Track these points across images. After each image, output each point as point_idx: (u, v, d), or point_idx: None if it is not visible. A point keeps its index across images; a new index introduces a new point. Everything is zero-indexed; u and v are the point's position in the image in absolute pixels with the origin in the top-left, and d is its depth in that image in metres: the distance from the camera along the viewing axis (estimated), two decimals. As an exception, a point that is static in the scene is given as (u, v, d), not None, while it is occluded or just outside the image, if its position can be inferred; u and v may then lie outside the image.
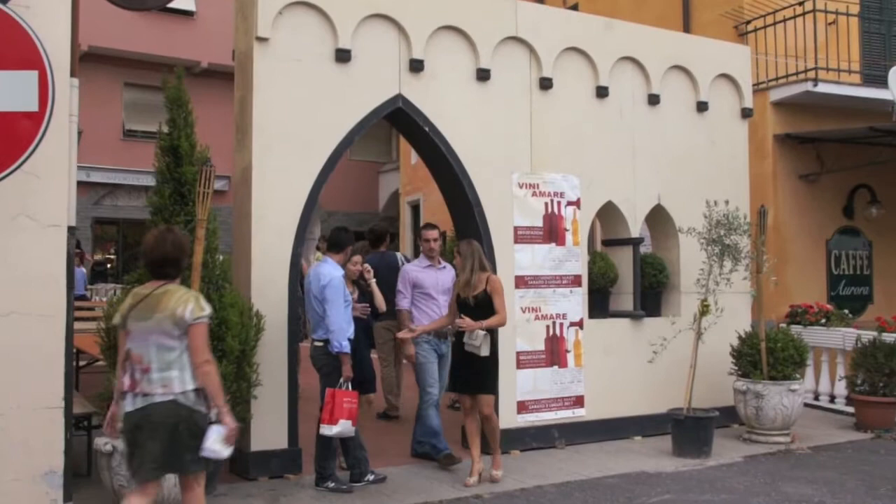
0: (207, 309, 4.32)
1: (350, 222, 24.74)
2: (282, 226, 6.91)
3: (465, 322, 6.46)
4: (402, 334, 6.87)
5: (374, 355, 7.53)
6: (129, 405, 4.26)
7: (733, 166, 9.55)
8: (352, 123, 7.34)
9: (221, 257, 6.46)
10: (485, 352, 6.47)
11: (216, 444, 4.27)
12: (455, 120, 7.86)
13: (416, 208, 22.91)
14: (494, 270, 7.74)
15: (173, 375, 4.23)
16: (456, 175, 7.87)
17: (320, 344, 6.35)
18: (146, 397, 4.21)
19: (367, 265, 7.25)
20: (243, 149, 7.13)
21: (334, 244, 6.58)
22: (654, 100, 9.04)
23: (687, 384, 7.91)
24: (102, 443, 5.45)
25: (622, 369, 8.60)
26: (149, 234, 4.49)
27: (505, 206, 8.07)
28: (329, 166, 7.20)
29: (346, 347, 6.20)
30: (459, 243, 6.77)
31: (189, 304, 4.28)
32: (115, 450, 5.37)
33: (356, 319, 6.67)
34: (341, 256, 6.54)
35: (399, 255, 9.33)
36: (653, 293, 9.06)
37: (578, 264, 8.45)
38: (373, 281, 7.26)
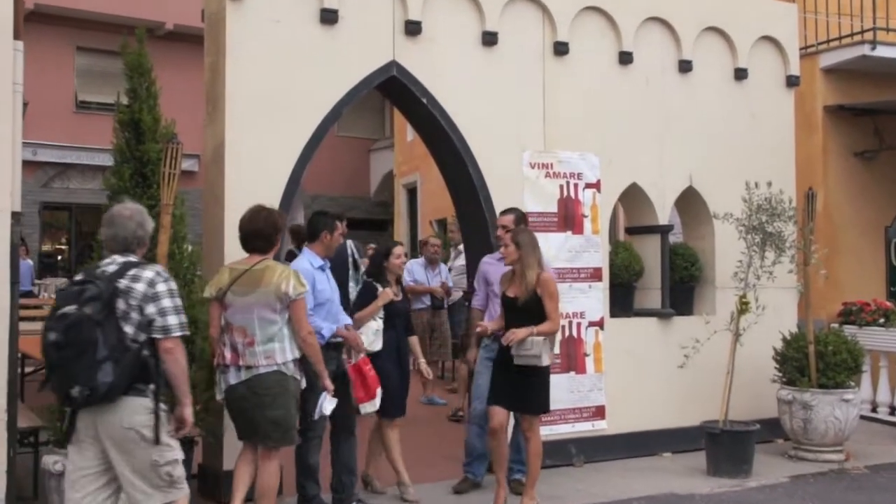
0: (307, 285, 5.70)
1: (337, 207, 24.76)
2: (259, 211, 6.93)
3: (517, 335, 6.20)
4: (520, 332, 6.34)
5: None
6: (232, 378, 5.54)
7: (777, 143, 9.59)
8: (339, 94, 7.38)
9: (190, 248, 6.51)
10: (546, 360, 6.27)
11: (329, 403, 5.93)
12: (457, 90, 7.90)
13: (412, 191, 22.94)
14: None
15: (276, 347, 5.48)
16: (458, 153, 7.92)
17: None
18: (250, 370, 5.45)
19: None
20: (215, 123, 7.17)
21: (310, 233, 6.50)
22: (685, 67, 9.08)
23: (723, 393, 7.96)
24: (51, 461, 5.49)
25: (649, 375, 8.66)
26: (245, 212, 5.82)
27: (514, 189, 8.12)
28: (313, 143, 7.24)
29: (330, 331, 6.24)
30: (516, 232, 6.52)
31: (291, 280, 5.55)
32: (65, 469, 5.37)
33: (388, 327, 6.83)
34: (320, 246, 6.42)
35: (351, 244, 9.10)
36: (684, 288, 9.11)
37: (598, 256, 8.50)
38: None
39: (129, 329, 4.35)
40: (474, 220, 8.15)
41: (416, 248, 11.59)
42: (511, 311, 6.39)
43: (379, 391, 6.52)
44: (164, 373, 4.44)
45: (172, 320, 4.45)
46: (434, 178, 16.59)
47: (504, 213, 7.26)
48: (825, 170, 11.53)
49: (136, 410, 4.35)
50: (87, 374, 4.21)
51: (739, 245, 8.36)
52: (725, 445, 7.86)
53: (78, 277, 4.46)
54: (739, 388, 8.37)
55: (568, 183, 8.40)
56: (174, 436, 4.55)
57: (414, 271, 10.73)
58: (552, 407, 7.89)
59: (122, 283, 4.39)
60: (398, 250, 7.07)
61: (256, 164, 6.99)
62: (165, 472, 4.43)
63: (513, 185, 8.12)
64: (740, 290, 8.20)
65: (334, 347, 6.34)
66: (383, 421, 6.92)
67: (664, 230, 8.96)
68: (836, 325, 10.04)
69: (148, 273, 4.46)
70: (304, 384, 5.75)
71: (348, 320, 6.58)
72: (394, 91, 7.93)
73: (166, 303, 4.45)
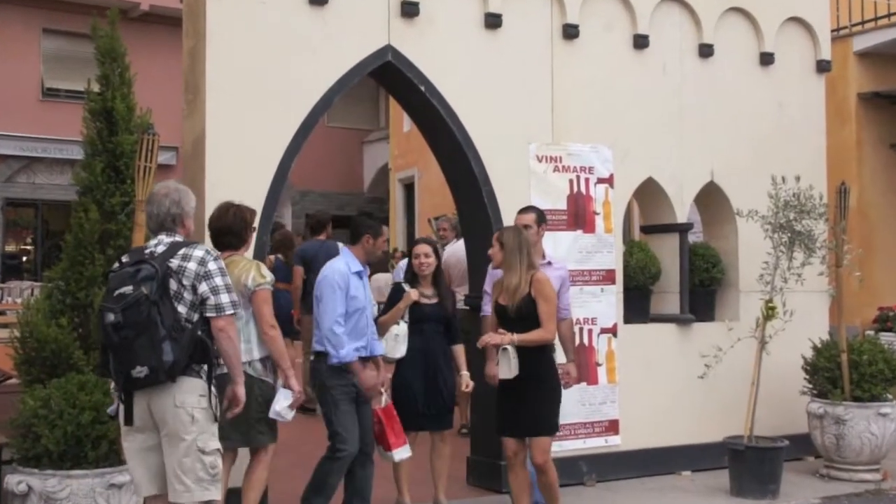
0: (269, 276, 5.81)
1: (327, 205, 24.75)
2: (242, 209, 6.94)
3: (490, 339, 6.26)
4: (488, 338, 6.43)
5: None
6: None
7: (806, 133, 9.61)
8: (330, 81, 7.40)
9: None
10: (504, 373, 6.25)
11: (283, 407, 5.78)
12: (458, 77, 7.92)
13: (409, 187, 22.96)
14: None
15: (241, 347, 5.34)
16: (459, 146, 7.93)
17: (311, 357, 6.49)
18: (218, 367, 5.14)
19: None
20: (195, 113, 7.19)
21: (352, 234, 6.65)
22: (706, 51, 9.09)
23: (748, 406, 7.96)
24: (15, 482, 5.49)
25: (666, 387, 8.67)
26: (214, 209, 6.14)
27: (520, 185, 8.14)
28: (302, 135, 7.26)
29: (348, 356, 6.24)
30: (501, 231, 6.57)
31: (251, 271, 5.79)
32: (30, 490, 5.39)
33: (414, 332, 6.86)
34: (361, 250, 6.55)
35: (341, 244, 9.14)
36: (704, 292, 9.12)
37: (611, 256, 8.51)
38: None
39: (181, 309, 4.75)
40: (476, 218, 8.16)
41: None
42: (504, 321, 6.35)
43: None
44: (216, 352, 4.86)
45: (224, 298, 4.84)
46: (433, 173, 16.61)
47: (523, 211, 7.23)
48: (859, 163, 11.55)
49: (189, 390, 4.73)
50: (149, 354, 4.57)
51: (765, 245, 8.36)
52: (750, 463, 7.86)
53: (125, 259, 4.84)
54: (765, 401, 8.35)
55: (578, 178, 8.41)
56: (230, 413, 5.07)
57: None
58: (562, 421, 7.89)
59: (174, 262, 4.79)
60: (418, 249, 7.10)
61: (240, 158, 7.00)
62: (210, 463, 4.77)
63: (518, 180, 8.13)
64: (766, 294, 8.20)
65: (360, 361, 6.39)
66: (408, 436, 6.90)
67: (683, 229, 8.98)
68: (871, 333, 10.05)
69: (198, 252, 4.88)
70: (278, 385, 5.94)
71: (379, 347, 6.62)
72: (389, 78, 7.94)
73: (218, 281, 4.84)
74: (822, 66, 9.73)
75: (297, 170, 8.12)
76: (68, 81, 21.68)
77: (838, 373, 8.53)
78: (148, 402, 4.73)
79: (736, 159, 9.17)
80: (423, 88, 7.77)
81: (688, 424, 8.72)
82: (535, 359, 6.27)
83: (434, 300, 7.05)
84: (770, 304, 8.10)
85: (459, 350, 7.15)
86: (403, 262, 10.75)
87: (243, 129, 7.05)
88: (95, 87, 6.45)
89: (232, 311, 4.88)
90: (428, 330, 6.97)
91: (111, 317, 4.59)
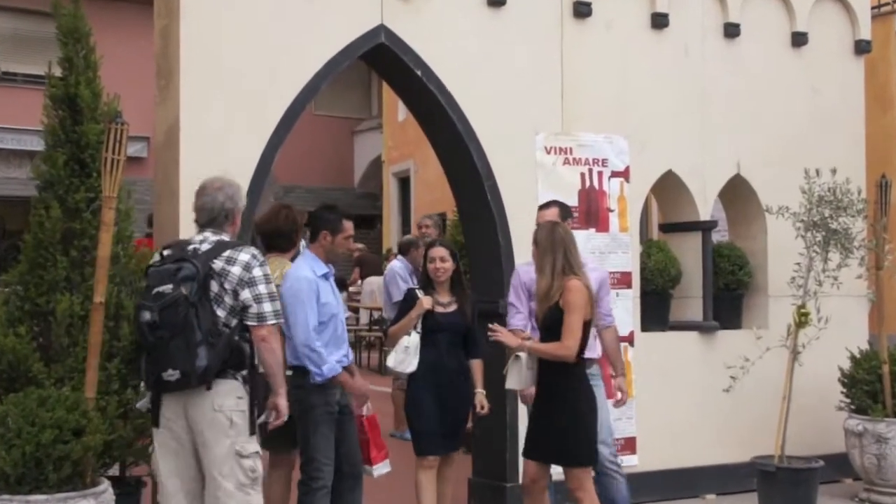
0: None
1: (314, 201, 24.68)
2: (220, 206, 6.93)
3: (503, 336, 6.11)
4: (501, 335, 6.26)
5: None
6: None
7: (843, 121, 9.62)
8: (317, 65, 7.39)
9: (138, 249, 6.51)
10: (510, 384, 6.17)
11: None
12: (458, 60, 7.92)
13: (404, 181, 22.95)
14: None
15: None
16: (459, 136, 7.93)
17: (289, 372, 6.09)
18: None
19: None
20: (167, 100, 7.18)
21: (311, 232, 6.44)
22: (732, 31, 9.09)
23: (779, 422, 7.96)
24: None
25: (688, 401, 8.66)
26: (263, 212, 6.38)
27: (526, 179, 8.14)
28: (286, 124, 7.25)
29: (332, 371, 6.12)
30: (539, 228, 6.35)
31: (276, 272, 5.85)
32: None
33: (427, 343, 6.77)
34: (319, 249, 6.35)
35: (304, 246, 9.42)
36: (730, 297, 9.13)
37: (627, 258, 8.51)
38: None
39: (220, 312, 4.96)
40: (478, 216, 8.17)
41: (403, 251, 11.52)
42: (540, 331, 6.21)
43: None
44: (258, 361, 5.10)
45: (268, 307, 5.05)
46: (430, 166, 16.60)
47: (544, 206, 7.12)
48: (901, 154, 11.53)
49: (227, 393, 4.98)
50: (183, 357, 4.80)
51: (797, 245, 8.36)
52: (782, 486, 7.85)
53: (168, 253, 5.08)
54: (798, 417, 8.36)
55: (590, 171, 8.41)
56: (271, 425, 5.28)
57: (391, 282, 10.56)
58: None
59: (217, 264, 5.00)
60: (434, 252, 6.92)
61: (218, 149, 6.97)
62: (249, 467, 5.02)
63: (524, 174, 8.14)
64: (798, 298, 8.19)
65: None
66: (420, 460, 6.82)
67: (706, 227, 8.99)
68: (914, 341, 10.02)
69: (244, 256, 5.07)
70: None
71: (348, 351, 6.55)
72: (382, 61, 7.94)
73: (262, 289, 5.04)
74: (862, 47, 9.73)
75: (280, 163, 8.10)
76: (26, 65, 21.59)
77: (879, 386, 8.53)
78: (184, 404, 4.99)
79: (765, 150, 9.18)
80: (419, 73, 7.76)
81: (712, 443, 8.72)
82: (559, 375, 6.05)
83: (451, 308, 6.91)
84: (803, 310, 8.09)
85: (477, 365, 6.97)
86: (396, 264, 10.77)
87: (221, 117, 7.03)
88: (57, 71, 6.42)
89: (275, 321, 5.09)
90: (442, 341, 6.80)
91: (147, 315, 4.83)
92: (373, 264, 18.07)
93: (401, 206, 23.23)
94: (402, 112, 20.71)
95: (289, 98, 7.28)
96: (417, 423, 6.82)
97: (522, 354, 6.08)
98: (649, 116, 8.69)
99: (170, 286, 4.84)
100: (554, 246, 6.06)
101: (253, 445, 5.10)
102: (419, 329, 6.81)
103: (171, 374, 4.84)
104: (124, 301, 6.11)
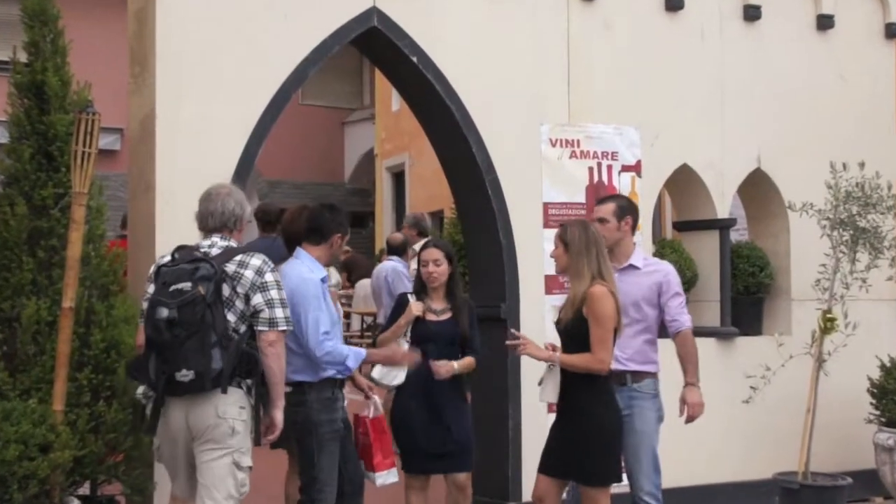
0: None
1: (302, 197, 24.68)
2: (200, 202, 6.92)
3: (527, 347, 6.00)
4: (531, 349, 6.13)
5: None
6: None
7: (872, 111, 9.60)
8: (304, 51, 7.37)
9: (111, 249, 6.48)
10: (546, 396, 6.02)
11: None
12: (456, 46, 7.90)
13: (398, 176, 22.96)
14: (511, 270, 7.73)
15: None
16: (458, 127, 7.91)
17: (288, 389, 5.83)
18: None
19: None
20: (143, 88, 7.15)
21: (315, 230, 6.30)
22: (752, 13, 9.07)
23: (803, 436, 7.94)
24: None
25: (705, 414, 8.58)
26: (288, 211, 6.56)
27: (530, 173, 8.13)
28: (271, 114, 7.23)
29: (358, 356, 6.12)
30: (565, 227, 6.13)
31: None
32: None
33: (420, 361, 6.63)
34: (326, 251, 6.26)
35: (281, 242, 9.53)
36: (750, 301, 9.13)
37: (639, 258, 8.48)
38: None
39: (231, 317, 5.19)
40: (478, 213, 8.17)
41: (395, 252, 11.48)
42: (560, 337, 6.08)
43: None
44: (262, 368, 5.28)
45: (279, 313, 5.29)
46: (427, 160, 16.59)
47: (602, 201, 6.92)
48: (934, 147, 11.51)
49: (232, 402, 5.16)
50: (198, 358, 5.01)
51: (822, 244, 8.36)
52: (806, 504, 7.85)
53: (179, 255, 5.28)
54: (824, 430, 8.35)
55: (599, 165, 8.41)
56: (264, 439, 5.39)
57: (397, 280, 10.55)
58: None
59: (230, 267, 5.24)
60: (427, 254, 6.81)
61: (197, 142, 6.97)
62: (241, 480, 5.23)
63: (528, 168, 8.13)
64: (824, 302, 8.18)
65: (340, 385, 6.21)
66: (407, 478, 6.76)
67: (724, 225, 8.98)
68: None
69: (255, 261, 5.32)
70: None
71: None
72: (375, 47, 7.92)
73: (274, 294, 5.29)
74: (893, 31, 9.71)
75: (265, 156, 8.09)
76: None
77: (911, 397, 8.53)
78: (186, 410, 5.17)
79: (788, 142, 9.16)
80: (415, 59, 7.74)
81: (731, 458, 8.72)
82: (582, 388, 5.92)
83: (444, 316, 6.79)
84: (829, 315, 8.08)
85: (468, 360, 6.78)
86: (388, 265, 10.73)
87: (201, 107, 7.01)
88: (22, 57, 6.39)
89: (285, 328, 5.32)
90: (432, 352, 6.64)
91: (165, 312, 5.01)
92: (362, 267, 18.01)
93: (394, 203, 23.24)
94: (396, 102, 20.72)
95: (274, 86, 7.26)
96: (404, 439, 6.75)
97: (554, 367, 5.94)
98: (662, 106, 8.68)
99: (188, 284, 5.06)
100: (589, 246, 5.91)
101: (248, 460, 5.26)
102: (408, 338, 6.73)
103: (185, 375, 5.02)
104: (95, 306, 6.09)
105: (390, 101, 21.75)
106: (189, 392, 5.09)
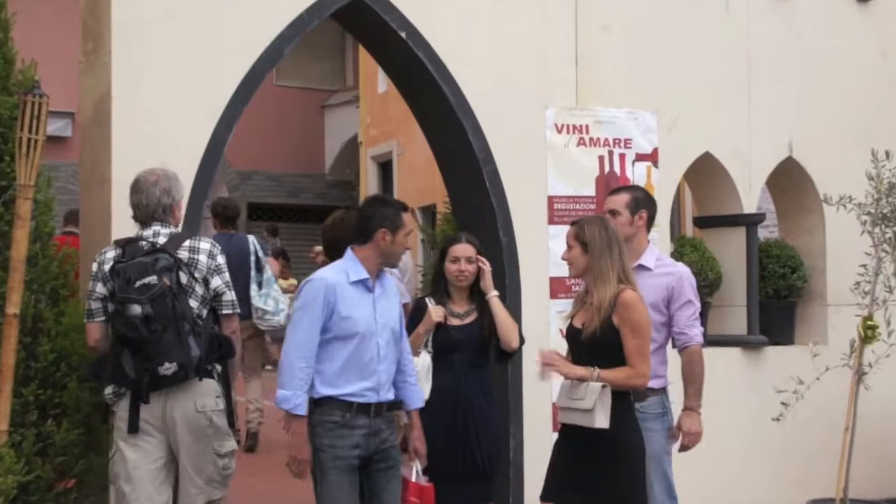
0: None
1: (277, 189, 24.76)
2: (161, 196, 6.91)
3: (558, 366, 5.74)
4: (565, 367, 5.87)
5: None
6: None
7: (918, 93, 9.61)
8: (279, 26, 7.37)
9: (60, 248, 6.46)
10: (601, 421, 5.68)
11: None
12: (450, 20, 7.91)
13: (385, 166, 22.94)
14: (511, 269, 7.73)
15: None
16: (452, 112, 7.92)
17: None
18: None
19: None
20: (97, 67, 7.15)
21: (357, 230, 6.14)
22: (782, -17, 9.10)
23: (841, 457, 7.94)
24: None
25: (730, 431, 8.63)
26: (329, 218, 6.75)
27: (533, 163, 8.15)
28: (242, 97, 7.23)
29: (285, 401, 5.78)
30: (582, 225, 5.95)
31: None
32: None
33: (439, 367, 6.56)
34: (374, 250, 6.00)
35: (253, 239, 10.40)
36: (780, 306, 9.16)
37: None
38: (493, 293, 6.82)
39: (193, 303, 5.65)
40: (475, 208, 8.19)
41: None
42: (576, 349, 5.93)
43: None
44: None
45: (234, 296, 5.90)
46: (417, 148, 16.56)
47: (614, 192, 6.89)
48: None
49: (208, 393, 5.67)
50: (177, 349, 5.46)
51: (863, 243, 8.35)
52: (843, 534, 7.86)
53: (129, 248, 5.64)
54: (864, 452, 8.34)
55: (611, 153, 8.43)
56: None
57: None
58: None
59: (183, 254, 5.68)
60: (458, 250, 6.70)
61: (159, 127, 6.95)
62: (223, 465, 5.75)
63: (531, 157, 8.14)
64: (864, 308, 8.19)
65: (362, 409, 5.90)
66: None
67: (751, 221, 9.00)
68: None
69: (205, 245, 5.83)
70: None
71: (417, 394, 6.26)
72: (359, 21, 7.94)
73: (228, 276, 5.86)
74: (940, 2, 9.74)
75: (235, 144, 8.07)
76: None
77: (961, 414, 8.54)
78: (164, 404, 5.60)
79: (823, 128, 9.19)
80: (404, 35, 7.74)
81: (760, 482, 8.73)
82: (614, 405, 5.71)
83: (469, 319, 6.72)
84: (869, 322, 8.07)
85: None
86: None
87: (163, 88, 7.00)
88: (-40, 33, 6.39)
89: (236, 311, 5.91)
90: (458, 363, 6.59)
91: (138, 309, 5.39)
92: None
93: (382, 197, 23.23)
94: (382, 83, 20.70)
95: (246, 65, 7.25)
96: (436, 465, 6.49)
97: (594, 384, 5.67)
98: (682, 87, 8.70)
99: (154, 277, 5.44)
100: (611, 245, 5.81)
101: (230, 443, 5.82)
102: (430, 348, 6.64)
103: (168, 368, 5.44)
104: (44, 312, 6.08)
105: (376, 81, 21.73)
106: (173, 383, 5.53)
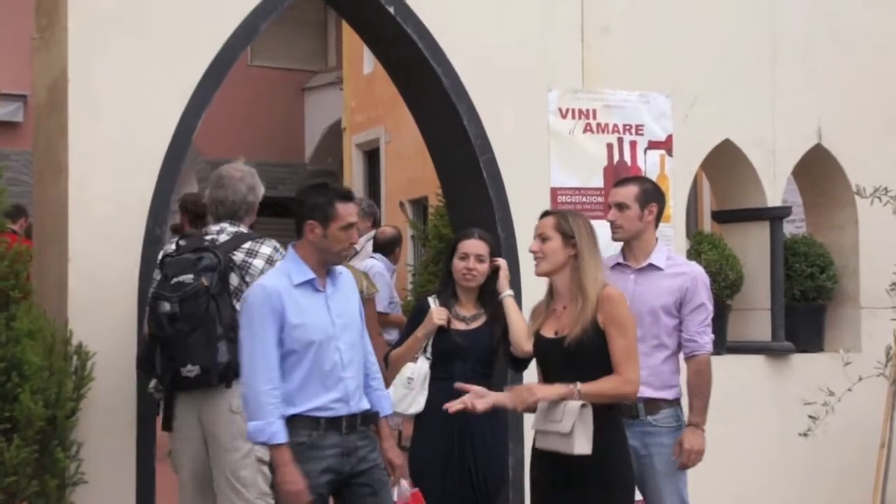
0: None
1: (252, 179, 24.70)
2: (126, 187, 6.92)
3: (533, 393, 5.56)
4: (541, 392, 5.66)
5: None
6: None
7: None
8: (254, 0, 7.35)
9: (11, 245, 6.45)
10: (581, 447, 5.51)
11: None
12: (444, -9, 7.91)
13: (372, 155, 22.97)
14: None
15: None
16: (445, 95, 7.91)
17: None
18: None
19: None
20: (51, 45, 7.14)
21: (296, 222, 5.99)
22: (810, -48, 9.09)
23: (876, 476, 7.93)
24: None
25: (753, 447, 8.67)
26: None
27: (535, 151, 8.16)
28: (213, 78, 7.22)
29: (259, 433, 5.55)
30: (564, 215, 5.90)
31: (363, 280, 6.87)
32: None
33: (439, 375, 6.43)
34: (308, 247, 5.77)
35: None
36: (808, 309, 9.17)
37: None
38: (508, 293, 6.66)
39: (239, 306, 5.73)
40: (471, 200, 8.21)
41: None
42: (553, 362, 5.78)
43: None
44: None
45: None
46: (407, 135, 16.58)
47: (620, 183, 6.80)
48: None
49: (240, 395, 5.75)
50: (203, 352, 5.75)
51: (900, 239, 8.39)
52: (878, 561, 7.86)
53: (184, 243, 6.03)
54: (899, 470, 8.37)
55: (621, 140, 8.43)
56: None
57: (379, 281, 10.54)
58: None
59: (238, 256, 6.00)
60: (468, 246, 6.56)
61: (121, 111, 6.95)
62: (267, 473, 5.75)
63: (532, 145, 8.15)
64: (901, 311, 8.20)
65: (333, 426, 5.70)
66: None
67: (776, 216, 9.01)
68: None
69: (266, 249, 6.15)
70: None
71: (386, 401, 6.07)
72: (341, -7, 7.92)
73: None
74: (983, -25, 9.73)
75: (206, 130, 8.06)
76: None
77: None
78: (198, 405, 5.96)
79: (856, 113, 9.20)
80: (391, 10, 7.73)
81: (785, 501, 8.74)
82: (597, 424, 5.56)
83: (476, 324, 6.60)
84: (907, 327, 8.09)
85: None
86: (368, 262, 10.68)
87: (124, 69, 6.98)
88: None
89: None
90: (459, 372, 6.38)
91: (166, 306, 5.79)
92: None
93: (368, 188, 23.24)
94: (368, 63, 20.72)
95: (217, 43, 7.24)
96: (421, 485, 6.40)
97: (573, 403, 5.50)
98: (699, 68, 8.71)
99: (190, 276, 5.80)
100: (596, 241, 5.79)
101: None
102: (429, 354, 6.53)
103: (191, 370, 5.77)
104: (-7, 317, 6.08)
105: (361, 61, 21.75)
106: (196, 387, 5.87)
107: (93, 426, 6.65)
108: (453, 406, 5.56)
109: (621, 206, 6.46)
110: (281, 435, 5.51)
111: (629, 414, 6.23)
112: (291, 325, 5.62)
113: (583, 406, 5.46)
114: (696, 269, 6.73)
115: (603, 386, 5.53)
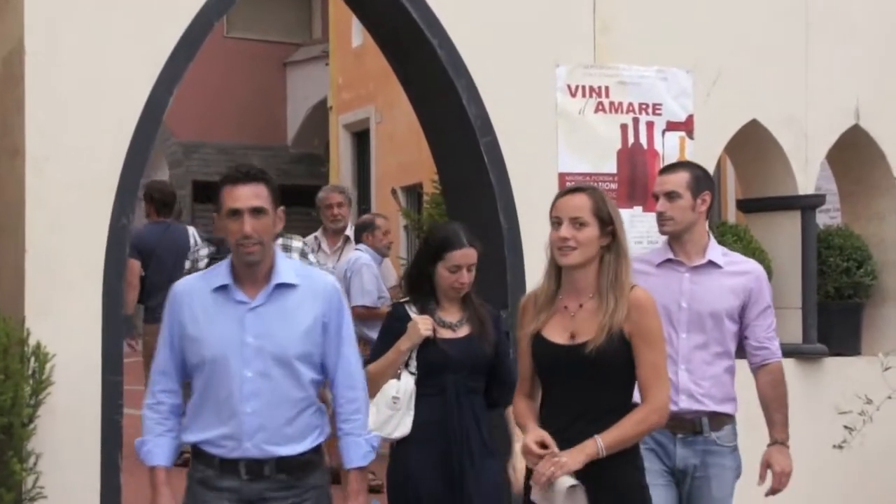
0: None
1: (228, 164, 24.64)
2: (89, 171, 6.94)
3: (556, 466, 5.02)
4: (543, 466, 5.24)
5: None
6: None
7: None
8: (229, -37, 7.38)
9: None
10: None
11: None
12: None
13: (361, 136, 22.95)
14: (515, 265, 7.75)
15: None
16: (443, 71, 7.94)
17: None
18: None
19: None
20: (6, 13, 7.16)
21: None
22: (846, -86, 9.12)
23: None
24: None
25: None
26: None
27: (542, 133, 8.20)
28: (186, 51, 7.24)
29: (152, 455, 5.39)
30: (593, 191, 5.54)
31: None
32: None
33: (426, 392, 6.27)
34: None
35: (193, 231, 10.91)
36: (843, 308, 9.22)
37: (692, 249, 8.52)
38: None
39: None
40: (471, 187, 8.24)
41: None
42: (557, 372, 5.42)
43: None
44: None
45: None
46: (400, 114, 16.59)
47: (669, 169, 6.65)
48: None
49: None
50: None
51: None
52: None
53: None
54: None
55: (636, 121, 8.47)
56: None
57: (365, 273, 10.53)
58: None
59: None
60: (460, 256, 6.40)
61: (84, 87, 6.98)
62: None
63: (539, 126, 8.18)
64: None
65: (227, 467, 5.32)
66: None
67: (808, 205, 9.04)
68: None
69: (297, 243, 6.70)
70: None
71: (321, 424, 5.67)
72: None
73: None
74: None
75: (178, 109, 8.07)
76: None
77: None
78: None
79: None
80: (383, -25, 7.76)
81: (817, 521, 8.78)
82: (612, 456, 5.20)
83: (463, 332, 6.43)
84: (952, 328, 8.12)
85: (507, 416, 6.33)
86: (354, 255, 10.67)
87: (87, 39, 7.01)
88: None
89: None
90: (451, 387, 6.29)
91: None
92: None
93: (356, 173, 23.23)
94: (357, 35, 20.70)
95: (190, 12, 7.25)
96: None
97: (567, 480, 5.07)
98: (724, 41, 8.73)
99: None
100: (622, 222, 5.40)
101: None
102: (413, 368, 6.35)
103: None
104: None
105: (349, 33, 21.73)
106: None
107: (52, 435, 6.68)
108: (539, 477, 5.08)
109: (671, 196, 6.29)
110: (155, 456, 5.39)
111: (689, 429, 6.19)
112: (188, 337, 5.41)
113: (575, 486, 5.04)
114: (758, 268, 6.64)
115: (626, 430, 5.16)
